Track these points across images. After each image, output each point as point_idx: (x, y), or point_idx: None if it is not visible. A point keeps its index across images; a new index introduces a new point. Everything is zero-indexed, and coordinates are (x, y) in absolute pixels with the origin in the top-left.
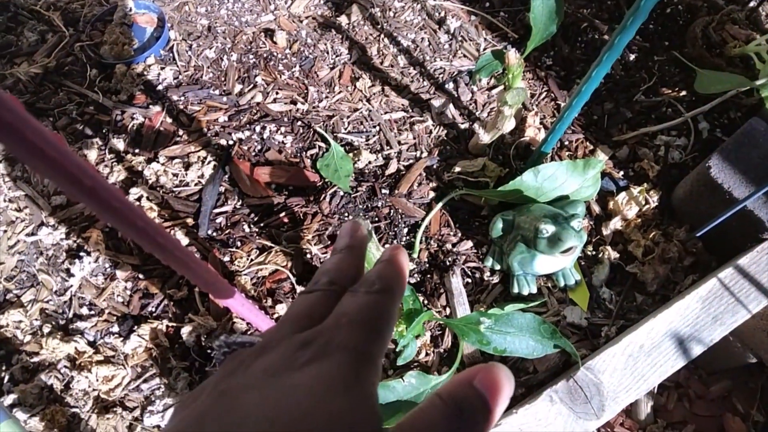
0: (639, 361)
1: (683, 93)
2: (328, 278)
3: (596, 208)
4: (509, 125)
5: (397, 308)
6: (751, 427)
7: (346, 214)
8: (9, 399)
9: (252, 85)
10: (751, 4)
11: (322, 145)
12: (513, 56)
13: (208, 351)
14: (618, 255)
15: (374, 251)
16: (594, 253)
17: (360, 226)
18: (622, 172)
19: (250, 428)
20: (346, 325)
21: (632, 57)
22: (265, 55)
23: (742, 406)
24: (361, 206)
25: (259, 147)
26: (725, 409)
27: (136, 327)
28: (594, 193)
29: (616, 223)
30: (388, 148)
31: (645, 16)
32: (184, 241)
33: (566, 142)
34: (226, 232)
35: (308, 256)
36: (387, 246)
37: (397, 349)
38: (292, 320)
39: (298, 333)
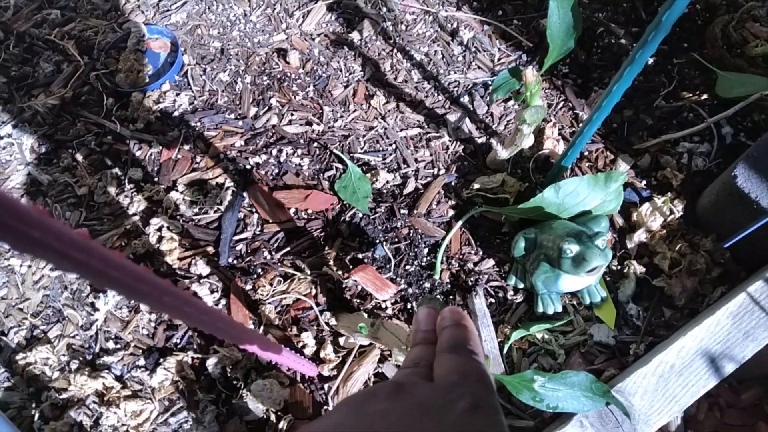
0: (670, 382)
1: (704, 96)
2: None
3: (619, 221)
4: (528, 142)
5: None
6: None
7: (366, 237)
8: None
9: (267, 108)
10: None
11: (339, 166)
12: (531, 74)
13: (234, 382)
14: (644, 268)
15: None
16: (619, 267)
17: (434, 312)
18: (644, 182)
19: None
20: (477, 383)
21: (651, 61)
22: (278, 75)
23: None
24: (380, 228)
25: (276, 170)
26: (757, 417)
27: (161, 360)
28: (617, 207)
29: (640, 236)
30: (405, 166)
31: (667, 31)
32: (205, 270)
33: (586, 153)
34: (247, 259)
35: (332, 281)
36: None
37: None
38: (412, 374)
39: (429, 383)
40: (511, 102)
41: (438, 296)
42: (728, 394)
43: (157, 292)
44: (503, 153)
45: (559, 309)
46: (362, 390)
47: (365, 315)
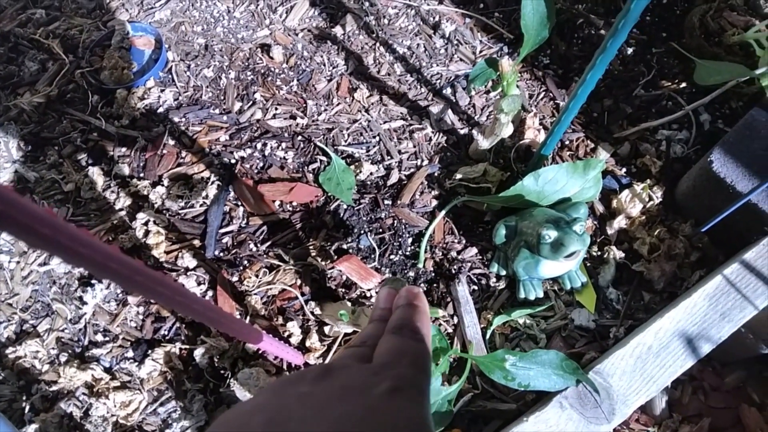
0: (648, 363)
1: (683, 85)
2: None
3: (600, 208)
4: (507, 131)
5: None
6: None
7: (351, 228)
8: (31, 429)
9: (251, 102)
10: None
11: (324, 158)
12: (507, 64)
13: (221, 372)
14: (623, 254)
15: None
16: (599, 253)
17: (394, 292)
18: (624, 170)
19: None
20: (409, 365)
21: (630, 51)
22: (262, 71)
23: (757, 396)
24: (364, 218)
25: (261, 164)
26: (741, 400)
27: (150, 351)
28: (596, 194)
29: (620, 222)
30: (389, 158)
31: (636, 19)
32: (192, 263)
33: (567, 142)
34: (233, 252)
35: (317, 272)
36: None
37: None
38: (350, 356)
39: (362, 364)
40: (493, 93)
41: (401, 278)
42: (712, 378)
43: (151, 283)
44: (484, 143)
45: (541, 295)
46: (294, 372)
47: (349, 304)
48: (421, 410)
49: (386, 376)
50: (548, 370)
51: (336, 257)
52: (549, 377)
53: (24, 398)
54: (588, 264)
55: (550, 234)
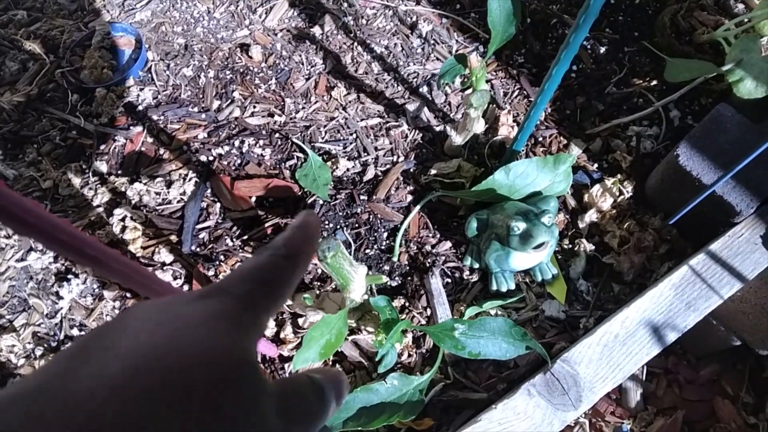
0: (614, 351)
1: (654, 82)
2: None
3: (572, 202)
4: (479, 126)
5: (299, 275)
6: (741, 409)
7: (327, 222)
8: None
9: (230, 101)
10: None
11: (301, 155)
12: (475, 60)
13: None
14: (594, 247)
15: (347, 267)
16: (570, 246)
17: (313, 216)
18: (596, 165)
19: (118, 352)
20: (239, 277)
21: (603, 50)
22: (241, 70)
23: (731, 388)
24: (340, 213)
25: (238, 161)
26: (715, 392)
27: None
28: (566, 188)
29: (591, 216)
30: (365, 154)
31: (596, 14)
32: (169, 258)
33: (540, 138)
34: (210, 247)
35: None
36: (358, 260)
37: (376, 358)
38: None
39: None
40: (468, 92)
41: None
42: (687, 371)
43: (127, 269)
44: (457, 139)
45: (512, 287)
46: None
47: (316, 292)
48: (232, 332)
49: (207, 291)
50: (498, 338)
51: None
52: (499, 345)
53: None
54: (559, 256)
55: (519, 226)
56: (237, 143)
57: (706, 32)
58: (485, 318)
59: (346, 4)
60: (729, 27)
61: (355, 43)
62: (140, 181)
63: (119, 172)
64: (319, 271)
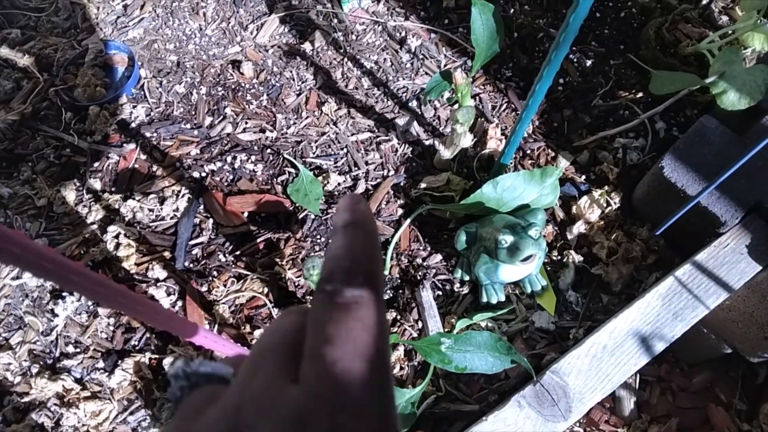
0: (603, 361)
1: (640, 95)
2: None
3: (560, 214)
4: (466, 141)
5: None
6: (735, 416)
7: (319, 237)
8: None
9: (222, 117)
10: (704, 1)
11: (292, 170)
12: (460, 76)
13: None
14: (582, 258)
15: None
16: (559, 257)
17: (361, 199)
18: (583, 177)
19: None
20: (352, 405)
21: (589, 63)
22: (233, 86)
23: (724, 395)
24: (331, 228)
25: (231, 177)
26: (708, 400)
27: (120, 361)
28: (554, 201)
29: (579, 227)
30: (356, 169)
31: (575, 33)
32: (162, 274)
33: (528, 151)
34: (203, 262)
35: (283, 281)
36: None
37: None
38: (276, 349)
39: (284, 377)
40: (456, 106)
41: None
42: (680, 379)
43: (113, 294)
44: (446, 153)
45: (502, 298)
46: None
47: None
48: None
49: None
50: (484, 352)
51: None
52: (485, 359)
53: None
54: (548, 268)
55: (506, 239)
56: (229, 159)
57: (691, 44)
58: (471, 332)
59: (335, 20)
60: (713, 39)
61: (345, 59)
62: (134, 198)
63: (113, 189)
64: (312, 285)
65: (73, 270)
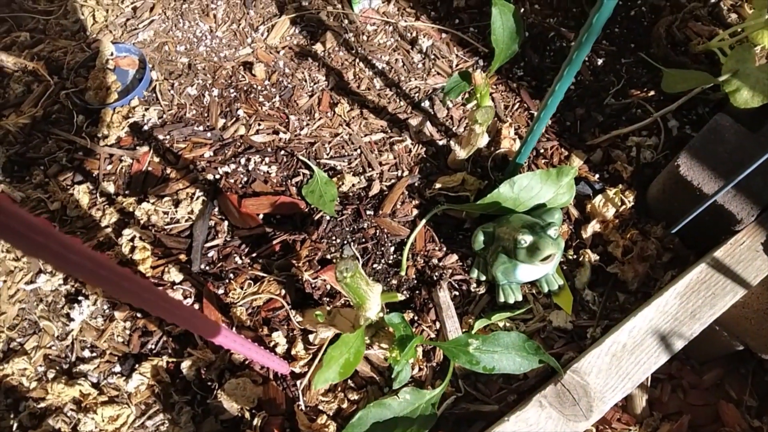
0: (623, 360)
1: (652, 93)
2: None
3: (575, 213)
4: (483, 141)
5: None
6: (745, 413)
7: (334, 238)
8: None
9: (234, 119)
10: None
11: (306, 172)
12: (479, 77)
13: (209, 383)
14: (598, 257)
15: (364, 286)
16: (575, 256)
17: None
18: (597, 176)
19: None
20: None
21: (600, 62)
22: (245, 88)
23: (735, 392)
24: (347, 229)
25: (245, 179)
26: (719, 396)
27: (137, 365)
28: (570, 200)
29: (594, 226)
30: (370, 169)
31: (599, 32)
32: (178, 277)
33: (542, 150)
34: (219, 265)
35: (300, 282)
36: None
37: (392, 375)
38: None
39: None
40: (469, 105)
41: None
42: (691, 376)
43: (139, 289)
44: (461, 153)
45: (520, 298)
46: None
47: (328, 308)
48: None
49: None
50: (512, 352)
51: (320, 267)
52: (513, 359)
53: (12, 416)
54: (564, 267)
55: (526, 239)
56: (243, 161)
57: (701, 42)
58: (499, 333)
59: (346, 21)
60: (723, 37)
61: (357, 60)
62: (148, 201)
63: (127, 192)
64: (328, 287)
65: (101, 263)
